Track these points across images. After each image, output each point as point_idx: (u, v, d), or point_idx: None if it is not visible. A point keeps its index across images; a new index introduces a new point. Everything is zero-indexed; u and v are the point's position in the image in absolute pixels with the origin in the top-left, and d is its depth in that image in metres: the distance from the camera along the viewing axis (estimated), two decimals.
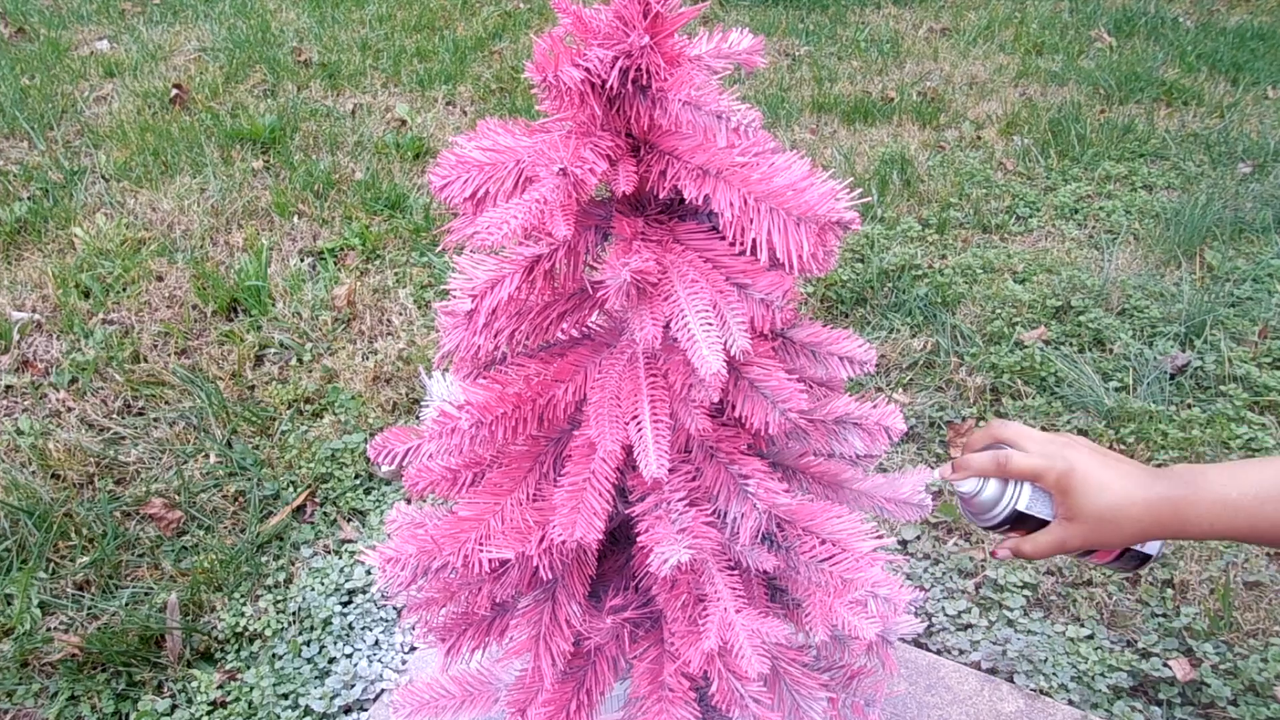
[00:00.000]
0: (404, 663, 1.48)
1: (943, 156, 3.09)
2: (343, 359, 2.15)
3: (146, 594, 1.59)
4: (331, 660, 1.49)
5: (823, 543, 0.81)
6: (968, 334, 2.19)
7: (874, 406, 0.83)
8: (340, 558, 1.66)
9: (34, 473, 1.82)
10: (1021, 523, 0.91)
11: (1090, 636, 1.48)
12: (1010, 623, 1.51)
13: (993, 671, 1.42)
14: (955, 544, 1.66)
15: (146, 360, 2.14)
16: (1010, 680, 1.41)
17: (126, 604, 1.57)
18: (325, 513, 1.77)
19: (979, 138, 3.25)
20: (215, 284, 2.36)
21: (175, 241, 2.60)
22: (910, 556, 1.64)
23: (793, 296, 0.70)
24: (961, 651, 1.47)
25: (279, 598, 1.59)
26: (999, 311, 2.26)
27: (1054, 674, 1.42)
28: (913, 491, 0.88)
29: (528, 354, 0.80)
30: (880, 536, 0.81)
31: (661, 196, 0.71)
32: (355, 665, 1.47)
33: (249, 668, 1.47)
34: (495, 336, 0.76)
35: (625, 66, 0.65)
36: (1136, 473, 0.86)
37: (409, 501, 0.91)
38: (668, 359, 0.74)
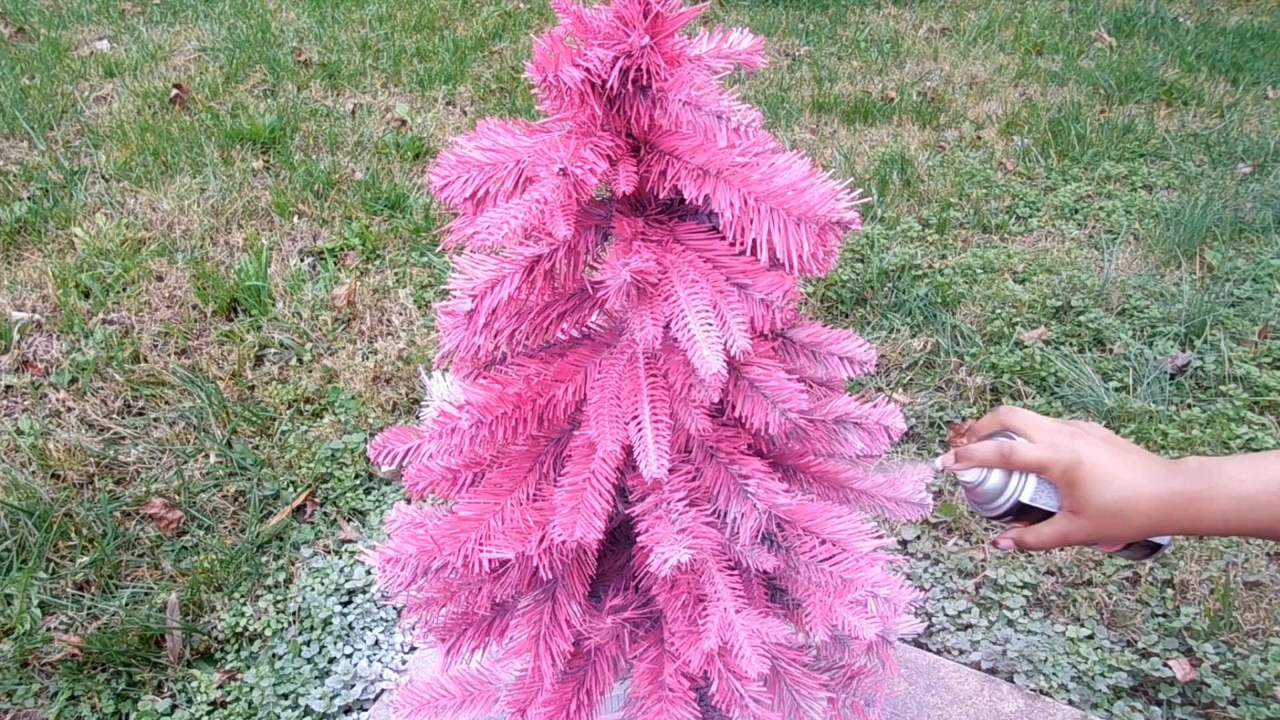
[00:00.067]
0: (404, 663, 1.48)
1: (943, 156, 3.09)
2: (343, 359, 2.15)
3: (146, 594, 1.59)
4: (331, 660, 1.49)
5: (823, 543, 0.81)
6: (968, 334, 2.19)
7: (874, 406, 0.83)
8: (340, 558, 1.66)
9: (34, 473, 1.82)
10: (1026, 513, 0.89)
11: (1090, 636, 1.48)
12: (1010, 623, 1.51)
13: (993, 671, 1.42)
14: (955, 544, 1.66)
15: (146, 360, 2.14)
16: (1010, 680, 1.41)
17: (126, 604, 1.57)
18: (325, 513, 1.77)
19: (979, 138, 3.25)
20: (215, 284, 2.36)
21: (175, 241, 2.60)
22: (910, 556, 1.64)
23: (793, 296, 0.70)
24: (961, 651, 1.47)
25: (279, 598, 1.59)
26: (999, 311, 2.26)
27: (1054, 674, 1.42)
28: (913, 491, 0.88)
29: (528, 354, 0.80)
30: (880, 536, 0.81)
31: (662, 196, 0.71)
32: (355, 665, 1.47)
33: (249, 668, 1.47)
34: (495, 336, 0.76)
35: (625, 66, 0.65)
36: (1147, 465, 0.83)
37: (409, 501, 0.91)
38: (668, 359, 0.74)
